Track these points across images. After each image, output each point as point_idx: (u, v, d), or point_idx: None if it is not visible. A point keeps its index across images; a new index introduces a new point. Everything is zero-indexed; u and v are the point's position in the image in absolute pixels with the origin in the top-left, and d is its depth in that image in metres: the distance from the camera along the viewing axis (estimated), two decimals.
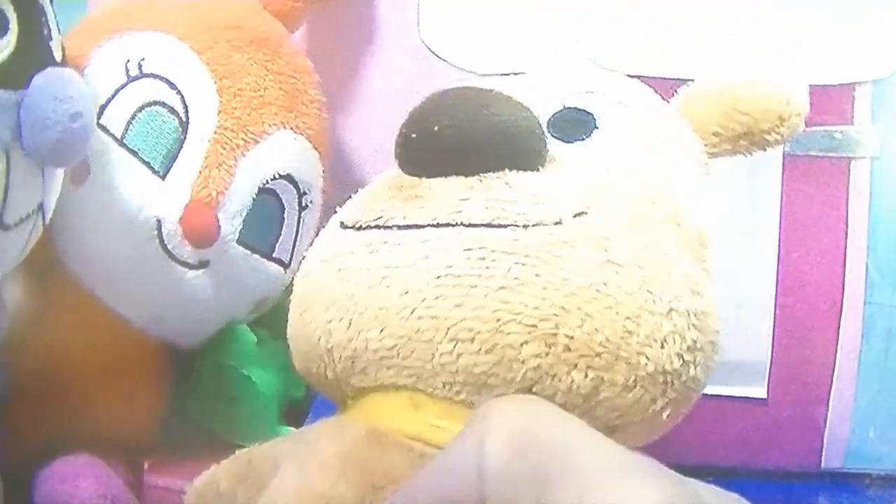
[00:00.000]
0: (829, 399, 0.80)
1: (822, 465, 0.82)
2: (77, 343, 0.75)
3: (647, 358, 0.50)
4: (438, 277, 0.51)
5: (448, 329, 0.51)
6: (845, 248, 0.78)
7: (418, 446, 0.52)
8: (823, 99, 0.75)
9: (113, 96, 0.73)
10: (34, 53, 0.60)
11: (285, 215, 0.77)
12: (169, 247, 0.72)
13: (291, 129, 0.76)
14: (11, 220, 0.60)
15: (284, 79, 0.77)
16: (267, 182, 0.74)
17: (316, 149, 0.78)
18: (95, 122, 0.64)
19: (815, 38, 0.78)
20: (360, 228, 0.56)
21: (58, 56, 0.62)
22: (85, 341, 0.75)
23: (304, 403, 0.78)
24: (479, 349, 0.50)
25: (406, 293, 0.52)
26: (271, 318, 0.80)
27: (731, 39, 0.79)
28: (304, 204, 0.77)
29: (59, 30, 0.64)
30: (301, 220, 0.78)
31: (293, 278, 0.76)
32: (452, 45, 0.86)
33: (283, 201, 0.76)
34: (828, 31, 0.78)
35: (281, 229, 0.77)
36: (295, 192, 0.77)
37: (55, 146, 0.59)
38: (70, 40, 0.72)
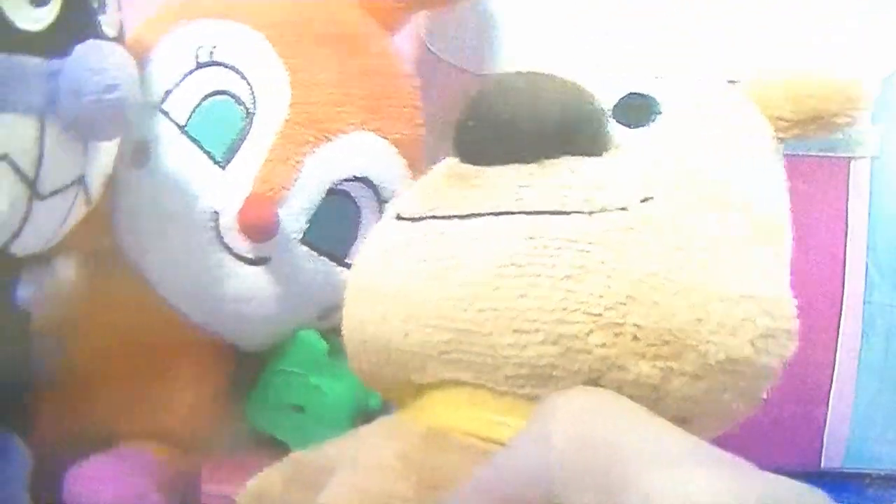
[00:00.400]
0: (829, 399, 0.75)
1: (822, 465, 0.77)
2: (128, 331, 0.69)
3: (717, 346, 0.46)
4: (500, 267, 0.47)
5: (511, 320, 0.47)
6: (845, 248, 0.73)
7: (479, 444, 0.48)
8: None
9: (179, 82, 0.68)
10: (77, 25, 0.56)
11: (361, 220, 0.70)
12: (225, 239, 0.66)
13: (373, 131, 0.69)
14: (46, 189, 0.57)
15: (370, 78, 0.70)
16: (339, 183, 0.68)
17: (403, 155, 0.71)
18: (138, 97, 0.58)
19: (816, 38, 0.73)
20: (416, 219, 0.52)
21: (109, 32, 0.59)
22: (137, 330, 0.69)
23: (381, 413, 0.70)
24: (544, 340, 0.46)
25: (466, 284, 0.48)
26: None
27: (731, 40, 0.74)
28: (384, 211, 0.68)
29: (119, 7, 0.61)
30: None
31: None
32: (453, 45, 0.81)
33: (360, 205, 0.69)
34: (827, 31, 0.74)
35: (356, 234, 0.69)
36: (374, 196, 0.69)
37: (89, 116, 0.55)
38: (146, 25, 0.70)
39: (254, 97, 0.66)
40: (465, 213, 0.49)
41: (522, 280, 0.46)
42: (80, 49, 0.55)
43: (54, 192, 0.57)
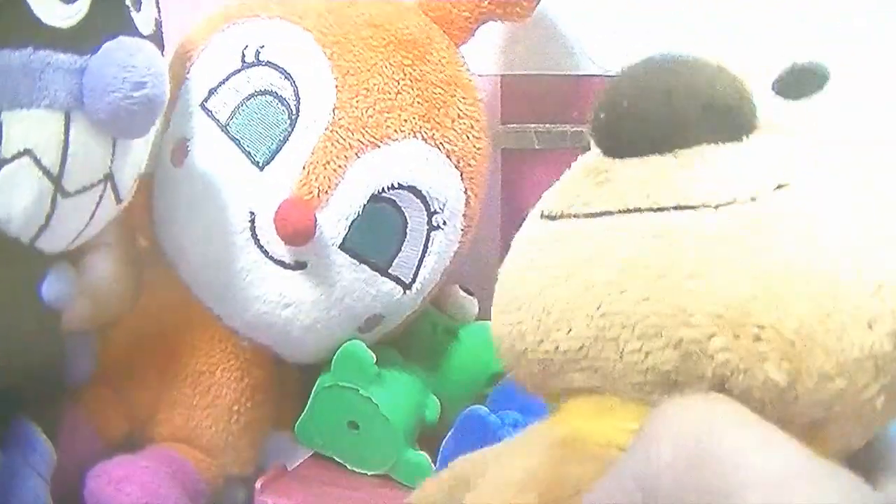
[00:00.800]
0: None
1: None
2: (162, 332, 0.69)
3: (851, 342, 0.41)
4: (625, 270, 0.45)
5: (635, 326, 0.44)
6: None
7: (611, 453, 0.45)
8: None
9: (224, 81, 0.66)
10: (107, 22, 0.55)
11: (408, 231, 0.67)
12: (261, 242, 0.65)
13: (425, 140, 0.67)
14: (72, 186, 0.56)
15: (426, 87, 0.68)
16: (384, 190, 0.65)
17: (458, 167, 0.69)
18: (167, 94, 0.57)
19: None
20: (554, 218, 0.50)
21: (144, 29, 0.58)
22: (171, 332, 0.69)
23: (439, 425, 0.71)
24: (666, 345, 0.43)
25: (591, 288, 0.45)
26: (406, 341, 0.74)
27: (730, 39, 0.73)
28: (434, 223, 0.68)
29: (156, 4, 0.60)
30: (430, 239, 0.68)
31: (420, 301, 0.69)
32: None
33: (406, 215, 0.67)
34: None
35: (401, 245, 0.68)
36: (423, 207, 0.67)
37: (115, 113, 0.54)
38: (203, 23, 0.69)
39: (298, 99, 0.64)
40: (595, 210, 0.47)
41: (646, 282, 0.44)
42: (108, 46, 0.53)
43: (81, 190, 0.56)
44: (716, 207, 0.44)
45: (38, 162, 0.53)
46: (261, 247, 0.64)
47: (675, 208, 0.45)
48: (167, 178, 0.65)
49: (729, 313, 0.42)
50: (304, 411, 0.69)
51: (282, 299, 0.65)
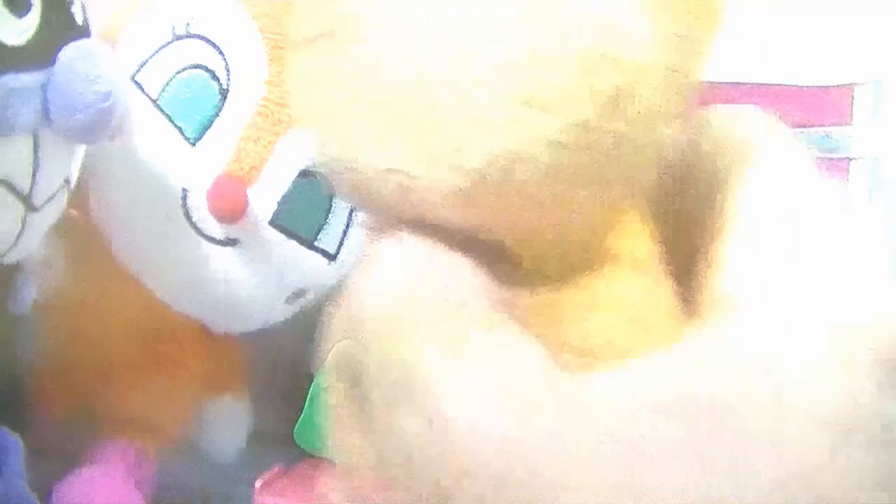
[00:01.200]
0: None
1: None
2: (109, 318, 0.69)
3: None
4: None
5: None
6: None
7: None
8: (823, 99, 0.70)
9: (154, 54, 0.65)
10: (58, 26, 0.53)
11: (333, 203, 0.67)
12: (193, 219, 0.64)
13: None
14: (40, 200, 0.55)
15: None
16: (311, 165, 0.64)
17: None
18: (126, 92, 0.57)
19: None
20: None
21: (79, 19, 0.56)
22: (118, 317, 0.69)
23: None
24: None
25: None
26: None
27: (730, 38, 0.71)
28: None
29: None
30: (354, 212, 0.68)
31: (342, 273, 0.69)
32: None
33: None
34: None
35: (327, 218, 0.68)
36: None
37: (87, 127, 0.53)
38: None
39: (228, 73, 0.63)
40: None
41: None
42: (66, 56, 0.52)
43: (48, 201, 0.55)
44: None
45: (12, 188, 0.52)
46: (193, 224, 0.64)
47: None
48: (100, 154, 0.63)
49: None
50: (302, 414, 0.70)
51: (215, 276, 0.65)
